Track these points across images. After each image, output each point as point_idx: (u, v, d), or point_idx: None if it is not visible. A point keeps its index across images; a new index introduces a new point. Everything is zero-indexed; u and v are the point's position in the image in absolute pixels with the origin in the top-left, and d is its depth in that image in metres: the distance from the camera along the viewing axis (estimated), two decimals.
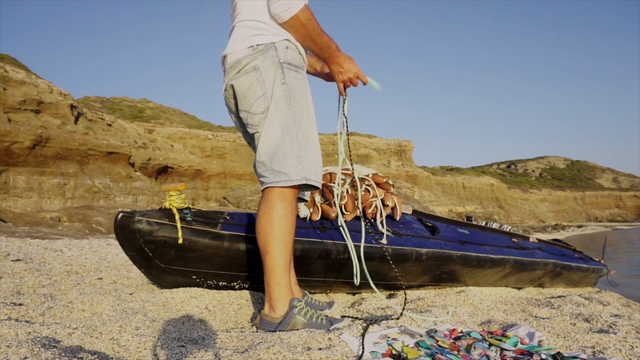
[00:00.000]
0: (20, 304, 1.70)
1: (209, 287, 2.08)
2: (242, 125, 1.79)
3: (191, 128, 36.51)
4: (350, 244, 1.92)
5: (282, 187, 1.61)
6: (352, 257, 1.91)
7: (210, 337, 1.40)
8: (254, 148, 1.83)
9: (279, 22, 1.63)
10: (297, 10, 1.60)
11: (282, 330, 1.56)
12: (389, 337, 1.46)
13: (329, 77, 1.95)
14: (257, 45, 1.63)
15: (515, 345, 1.46)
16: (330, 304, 2.04)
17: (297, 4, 1.60)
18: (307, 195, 1.89)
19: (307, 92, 1.71)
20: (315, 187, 1.68)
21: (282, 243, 1.61)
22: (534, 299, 2.54)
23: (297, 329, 1.55)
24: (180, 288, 2.01)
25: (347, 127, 1.85)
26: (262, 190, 1.66)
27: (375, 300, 2.31)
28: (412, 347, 1.38)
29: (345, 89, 1.81)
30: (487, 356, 1.36)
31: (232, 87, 1.66)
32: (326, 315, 1.73)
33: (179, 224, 1.86)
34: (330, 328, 1.60)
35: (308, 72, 1.87)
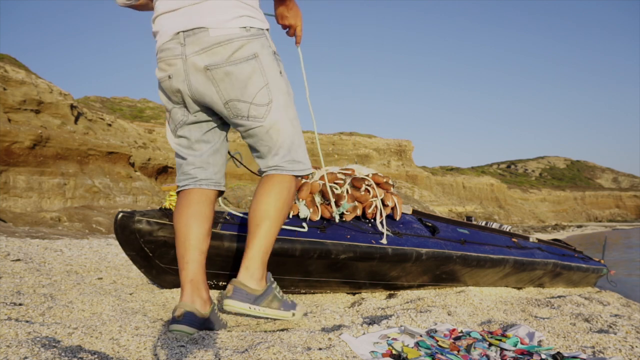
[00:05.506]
0: (20, 304, 1.70)
1: (209, 287, 2.08)
2: (211, 114, 1.60)
3: None
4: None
5: (296, 175, 1.61)
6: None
7: (210, 337, 1.40)
8: (216, 141, 1.65)
9: None
10: None
11: (259, 306, 1.51)
12: (389, 337, 1.46)
13: None
14: (250, 27, 1.49)
15: (515, 345, 1.46)
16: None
17: None
18: None
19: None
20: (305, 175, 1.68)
21: (279, 222, 1.58)
22: (534, 299, 2.54)
23: (273, 308, 1.55)
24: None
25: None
26: (272, 175, 1.58)
27: (375, 300, 2.31)
28: (412, 347, 1.38)
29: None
30: (487, 356, 1.36)
31: (225, 72, 1.47)
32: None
33: None
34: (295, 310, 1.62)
35: None
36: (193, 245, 1.56)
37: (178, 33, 1.48)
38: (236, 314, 1.53)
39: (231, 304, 1.48)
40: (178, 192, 1.71)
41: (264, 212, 1.54)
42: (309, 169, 1.65)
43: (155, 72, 1.59)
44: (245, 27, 1.49)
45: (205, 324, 1.50)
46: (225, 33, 1.46)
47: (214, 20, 1.46)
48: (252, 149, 1.64)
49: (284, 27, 1.71)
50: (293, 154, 1.59)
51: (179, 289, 1.98)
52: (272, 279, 1.60)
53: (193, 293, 1.52)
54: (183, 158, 1.66)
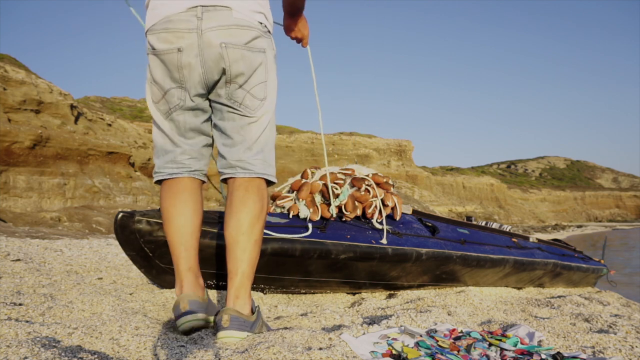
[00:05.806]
0: (20, 304, 1.70)
1: (209, 287, 2.08)
2: (208, 102, 1.55)
3: None
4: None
5: (267, 180, 1.56)
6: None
7: (210, 337, 1.40)
8: (197, 128, 1.56)
9: None
10: None
11: (253, 333, 1.43)
12: (389, 337, 1.46)
13: None
14: (265, 25, 1.53)
15: (515, 345, 1.47)
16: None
17: None
18: None
19: None
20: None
21: (262, 239, 1.54)
22: (534, 299, 2.54)
23: (262, 331, 1.47)
24: None
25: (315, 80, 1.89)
26: (244, 179, 1.52)
27: (375, 300, 2.32)
28: (412, 347, 1.38)
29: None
30: (487, 356, 1.36)
31: (242, 54, 1.45)
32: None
33: None
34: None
35: None
36: (190, 231, 1.53)
37: (196, 7, 1.43)
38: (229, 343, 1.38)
39: (231, 335, 1.37)
40: (162, 180, 1.58)
41: (250, 234, 1.47)
42: (275, 178, 1.61)
43: (153, 43, 1.47)
44: (261, 23, 1.52)
45: (208, 309, 1.51)
46: (248, 19, 1.46)
47: (238, 5, 1.45)
48: (223, 135, 1.54)
49: (292, 38, 1.75)
50: (266, 154, 1.56)
51: None
52: (255, 302, 1.56)
53: (193, 281, 1.51)
54: (175, 145, 1.56)
